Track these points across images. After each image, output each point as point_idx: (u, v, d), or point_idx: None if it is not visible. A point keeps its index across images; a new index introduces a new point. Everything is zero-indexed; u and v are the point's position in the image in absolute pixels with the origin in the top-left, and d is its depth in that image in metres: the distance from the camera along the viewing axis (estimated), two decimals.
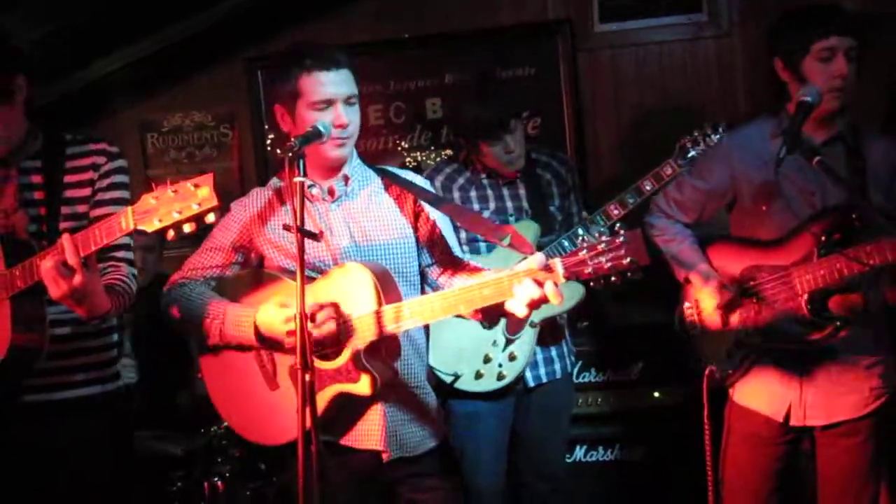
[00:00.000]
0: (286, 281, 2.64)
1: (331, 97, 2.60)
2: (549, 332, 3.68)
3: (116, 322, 2.88)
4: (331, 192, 2.72)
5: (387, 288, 2.50)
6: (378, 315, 2.46)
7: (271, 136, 5.06)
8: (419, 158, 5.02)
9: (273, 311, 2.50)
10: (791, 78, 3.02)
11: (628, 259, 2.16)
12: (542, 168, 3.82)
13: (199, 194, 2.17)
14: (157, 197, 2.21)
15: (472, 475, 3.53)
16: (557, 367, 3.73)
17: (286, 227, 2.40)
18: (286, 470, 2.57)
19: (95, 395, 2.76)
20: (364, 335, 2.48)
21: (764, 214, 3.08)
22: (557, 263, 2.24)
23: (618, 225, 2.55)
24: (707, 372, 3.05)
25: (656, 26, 4.85)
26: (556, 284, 2.26)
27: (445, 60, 5.00)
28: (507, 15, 4.94)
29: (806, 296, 2.92)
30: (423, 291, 2.79)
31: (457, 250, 2.81)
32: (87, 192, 2.74)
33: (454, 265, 2.77)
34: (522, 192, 3.74)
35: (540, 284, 2.27)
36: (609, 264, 2.17)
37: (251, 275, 2.75)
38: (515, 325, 3.52)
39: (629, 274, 2.19)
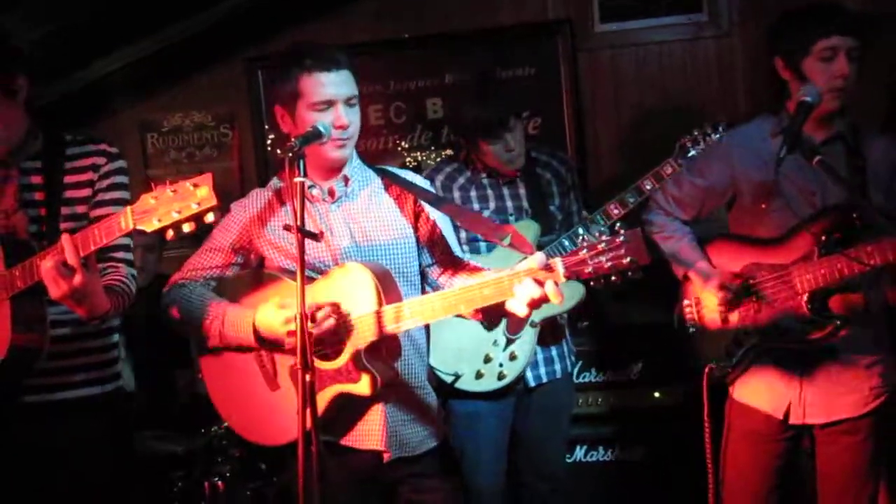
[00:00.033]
0: (286, 281, 2.64)
1: (331, 98, 2.60)
2: (549, 332, 3.68)
3: (117, 323, 2.88)
4: (331, 192, 2.72)
5: (387, 288, 2.50)
6: (378, 315, 2.46)
7: (271, 136, 5.07)
8: (419, 158, 5.02)
9: (272, 313, 2.50)
10: (792, 77, 3.02)
11: (628, 258, 2.16)
12: (542, 167, 3.82)
13: (198, 194, 2.17)
14: (156, 197, 2.21)
15: (472, 475, 3.53)
16: (558, 366, 3.73)
17: (286, 228, 2.40)
18: (286, 470, 2.57)
19: (95, 395, 2.76)
20: (364, 335, 2.48)
21: (763, 213, 3.08)
22: (558, 263, 2.24)
23: (618, 224, 2.55)
24: (707, 370, 3.06)
25: (656, 26, 4.85)
26: (556, 284, 2.26)
27: (445, 60, 4.99)
28: (507, 15, 4.94)
29: (806, 295, 2.93)
30: (423, 291, 2.79)
31: (457, 250, 2.81)
32: (87, 192, 2.74)
33: (454, 265, 2.77)
34: (522, 191, 3.74)
35: (540, 284, 2.27)
36: (609, 264, 2.17)
37: (251, 275, 2.75)
38: (516, 325, 3.52)
39: (629, 273, 2.19)
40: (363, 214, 2.73)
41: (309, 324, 2.25)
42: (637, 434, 4.24)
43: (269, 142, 5.09)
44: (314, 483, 2.18)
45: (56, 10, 4.04)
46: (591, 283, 2.23)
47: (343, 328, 2.50)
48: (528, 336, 3.57)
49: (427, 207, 2.76)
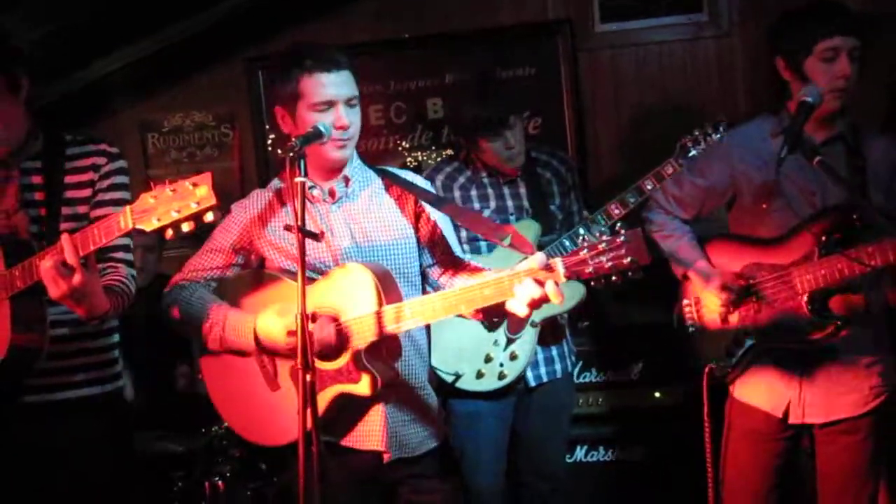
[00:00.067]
0: (287, 282, 2.64)
1: (331, 98, 2.60)
2: (549, 332, 3.68)
3: (117, 323, 2.88)
4: (331, 193, 2.72)
5: (388, 288, 2.50)
6: (379, 315, 2.46)
7: (272, 136, 5.07)
8: (420, 158, 5.02)
9: (272, 321, 2.50)
10: (793, 78, 3.02)
11: (629, 258, 2.16)
12: (542, 167, 3.82)
13: (197, 193, 2.17)
14: (155, 196, 2.21)
15: (472, 475, 3.53)
16: (558, 366, 3.73)
17: (287, 228, 2.40)
18: (287, 470, 2.57)
19: (95, 395, 2.76)
20: (365, 335, 2.48)
21: (764, 213, 3.08)
22: (558, 263, 2.24)
23: (618, 224, 2.55)
24: (707, 370, 3.06)
25: (656, 26, 4.85)
26: (556, 284, 2.26)
27: (446, 60, 4.99)
28: (508, 15, 4.93)
29: (806, 295, 2.93)
30: (424, 292, 2.79)
31: (457, 250, 2.81)
32: (87, 192, 2.74)
33: (455, 265, 2.77)
34: (523, 190, 3.74)
35: (541, 284, 2.27)
36: (610, 264, 2.17)
37: (252, 276, 2.75)
38: (516, 325, 3.52)
39: (630, 273, 2.19)
40: (364, 215, 2.73)
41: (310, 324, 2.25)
42: (637, 434, 4.24)
43: (269, 142, 5.09)
44: (315, 483, 2.18)
45: (56, 10, 4.04)
46: (592, 283, 2.23)
47: (342, 338, 2.50)
48: (529, 336, 3.57)
49: (427, 208, 2.76)
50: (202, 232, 2.35)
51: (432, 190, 2.93)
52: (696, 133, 3.32)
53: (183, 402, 4.24)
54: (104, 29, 4.47)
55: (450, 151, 4.68)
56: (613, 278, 2.20)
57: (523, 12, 4.92)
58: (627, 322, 4.50)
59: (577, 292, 3.55)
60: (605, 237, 2.19)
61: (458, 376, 3.53)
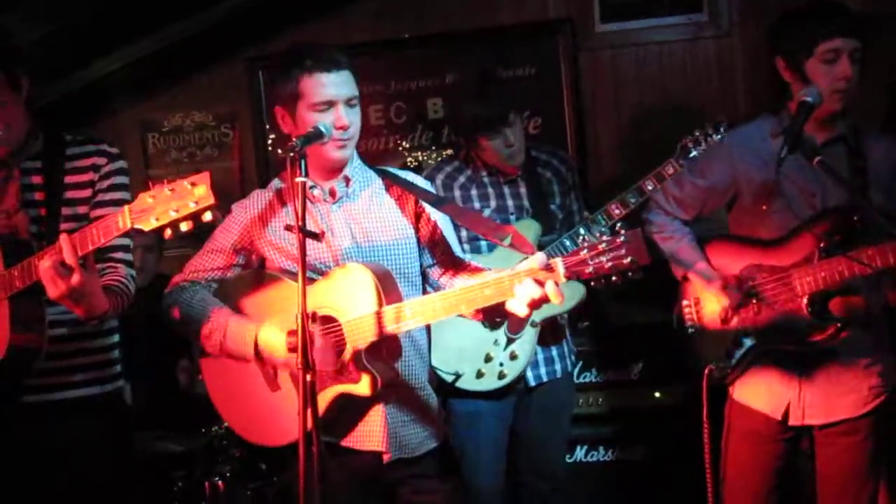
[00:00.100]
0: (287, 282, 2.64)
1: (332, 98, 2.59)
2: (549, 332, 3.68)
3: (116, 323, 2.88)
4: (332, 193, 2.72)
5: (388, 288, 2.50)
6: (379, 315, 2.46)
7: (272, 136, 5.07)
8: (420, 158, 5.02)
9: (275, 335, 2.51)
10: (794, 79, 3.01)
11: (629, 259, 2.16)
12: (542, 166, 3.82)
13: (195, 192, 2.17)
14: (154, 196, 2.21)
15: (472, 475, 3.53)
16: (558, 366, 3.73)
17: (288, 228, 2.39)
18: (287, 470, 2.57)
19: (95, 395, 2.76)
20: (365, 335, 2.48)
21: (764, 214, 3.08)
22: (558, 263, 2.24)
23: (618, 224, 2.55)
24: (707, 371, 3.05)
25: (657, 26, 4.85)
26: (556, 284, 2.26)
27: (446, 60, 4.99)
28: (508, 15, 4.93)
29: (806, 297, 2.92)
30: (424, 292, 2.79)
31: (458, 251, 2.81)
32: (87, 193, 2.74)
33: (455, 265, 2.77)
34: (523, 190, 3.74)
35: (541, 284, 2.27)
36: (610, 264, 2.17)
37: (252, 276, 2.74)
38: (517, 325, 3.52)
39: (630, 273, 2.18)
40: (364, 215, 2.73)
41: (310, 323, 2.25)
42: (637, 434, 4.24)
43: (269, 142, 5.09)
44: (315, 483, 2.18)
45: (56, 10, 4.04)
46: (592, 284, 2.23)
47: (340, 342, 2.51)
48: (529, 336, 3.57)
49: (428, 208, 2.76)
50: (201, 232, 2.35)
51: (432, 190, 2.93)
52: (697, 133, 3.31)
53: (183, 402, 4.24)
54: (104, 29, 4.47)
55: (450, 151, 4.69)
56: (613, 278, 2.20)
57: (524, 12, 4.92)
58: (627, 322, 4.49)
59: (577, 292, 3.55)
60: (605, 237, 2.19)
61: (458, 376, 3.53)
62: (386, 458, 2.61)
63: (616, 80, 4.91)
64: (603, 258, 2.18)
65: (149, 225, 2.20)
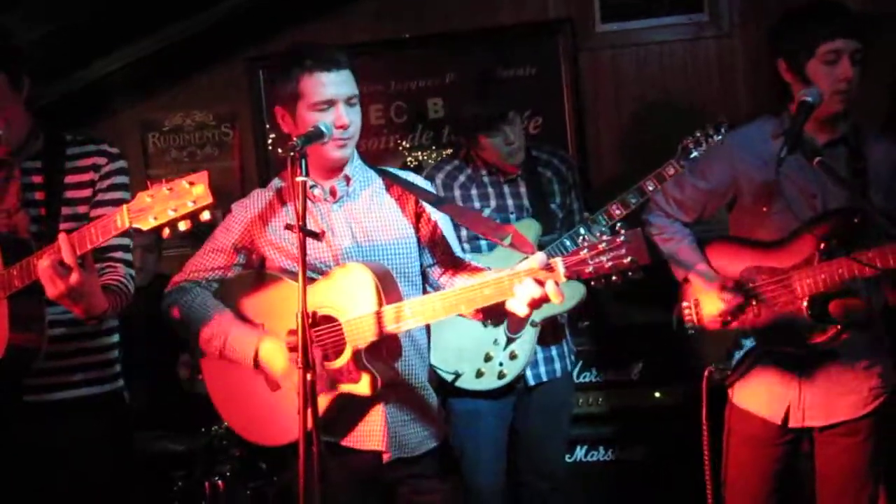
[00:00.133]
0: (287, 282, 2.63)
1: (332, 98, 2.59)
2: (549, 332, 3.68)
3: (116, 323, 2.88)
4: (332, 192, 2.72)
5: (388, 288, 2.50)
6: (379, 315, 2.46)
7: (272, 135, 5.07)
8: (420, 158, 5.02)
9: (277, 354, 2.52)
10: (795, 80, 3.00)
11: (629, 258, 2.16)
12: (542, 166, 3.82)
13: (193, 192, 2.17)
14: (152, 195, 2.21)
15: (472, 474, 3.53)
16: (558, 365, 3.73)
17: (288, 227, 2.39)
18: (287, 469, 2.57)
19: (95, 395, 2.76)
20: (365, 335, 2.48)
21: (765, 215, 3.07)
22: (558, 263, 2.24)
23: (618, 224, 2.55)
24: (706, 372, 3.05)
25: (657, 26, 4.85)
26: (556, 284, 2.26)
27: (446, 60, 5.00)
28: (508, 15, 4.94)
29: (806, 299, 2.92)
30: (424, 291, 2.79)
31: (458, 251, 2.81)
32: (87, 192, 2.74)
33: (455, 265, 2.77)
34: (523, 189, 3.74)
35: (541, 284, 2.27)
36: (610, 263, 2.17)
37: (252, 276, 2.74)
38: (517, 324, 3.52)
39: (630, 273, 2.18)
40: (364, 214, 2.73)
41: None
42: (637, 434, 4.24)
43: (269, 141, 5.09)
44: (315, 483, 2.18)
45: (56, 10, 4.04)
46: (592, 283, 2.23)
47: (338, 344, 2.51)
48: (529, 335, 3.57)
49: (428, 208, 2.76)
50: (200, 231, 2.35)
51: (432, 190, 2.93)
52: (698, 134, 3.31)
53: (183, 401, 4.24)
54: (104, 29, 4.47)
55: (450, 151, 4.69)
56: (614, 278, 2.20)
57: (524, 12, 4.92)
58: (627, 322, 4.50)
59: (577, 292, 3.55)
60: (605, 237, 2.19)
61: (457, 375, 3.53)
62: (386, 457, 2.61)
63: (616, 80, 4.91)
64: (603, 258, 2.18)
65: (147, 224, 2.20)
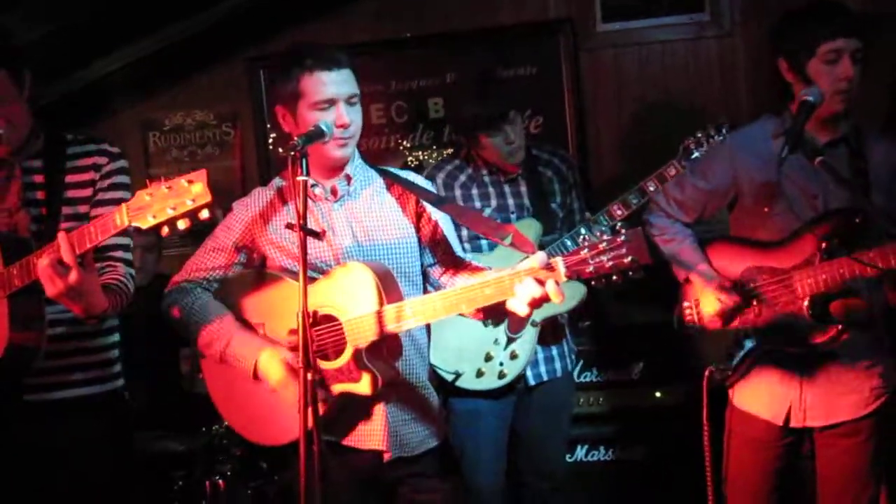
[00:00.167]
0: (288, 282, 2.63)
1: (332, 97, 2.59)
2: (549, 332, 3.68)
3: (117, 322, 2.88)
4: (333, 191, 2.72)
5: (388, 287, 2.50)
6: (380, 315, 2.46)
7: (273, 135, 5.07)
8: (421, 157, 5.02)
9: (275, 368, 2.52)
10: (795, 79, 3.00)
11: (630, 258, 2.16)
12: (543, 165, 3.82)
13: (192, 190, 2.16)
14: (151, 193, 2.20)
15: (472, 474, 3.52)
16: (558, 365, 3.72)
17: (289, 226, 2.39)
18: (288, 469, 2.57)
19: (95, 394, 2.76)
20: (365, 334, 2.47)
21: (766, 215, 3.07)
22: (559, 262, 2.23)
23: (619, 224, 2.55)
24: (707, 373, 3.05)
25: (658, 26, 4.85)
26: (557, 283, 2.26)
27: (447, 60, 4.99)
28: (508, 14, 4.93)
29: (807, 300, 2.92)
30: (425, 291, 2.79)
31: (458, 250, 2.81)
32: (88, 192, 2.74)
33: (456, 265, 2.77)
34: (524, 189, 3.74)
35: (541, 283, 2.26)
36: (610, 263, 2.17)
37: (253, 276, 2.74)
38: (517, 324, 3.51)
39: (631, 273, 2.18)
40: (365, 214, 2.73)
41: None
42: (638, 434, 4.24)
43: (270, 141, 5.09)
44: (316, 482, 2.17)
45: (56, 10, 4.04)
46: (593, 283, 2.22)
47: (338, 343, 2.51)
48: (529, 335, 3.57)
49: (429, 207, 2.76)
50: (199, 231, 2.35)
51: (433, 189, 2.93)
52: (699, 135, 3.31)
53: (183, 401, 4.24)
54: (104, 29, 4.47)
55: (451, 150, 4.69)
56: (614, 278, 2.19)
57: (524, 12, 4.92)
58: (628, 322, 4.49)
59: (577, 292, 3.55)
60: (605, 236, 2.18)
61: (458, 375, 3.53)
62: (386, 456, 2.61)
63: (617, 79, 4.91)
64: (604, 257, 2.17)
65: (146, 222, 2.20)
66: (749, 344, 3.04)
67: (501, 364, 3.55)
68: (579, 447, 4.27)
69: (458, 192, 3.71)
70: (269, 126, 5.06)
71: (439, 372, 3.51)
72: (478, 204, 3.69)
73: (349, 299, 2.50)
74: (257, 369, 2.56)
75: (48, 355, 2.60)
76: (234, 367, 2.61)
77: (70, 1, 4.11)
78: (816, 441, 3.11)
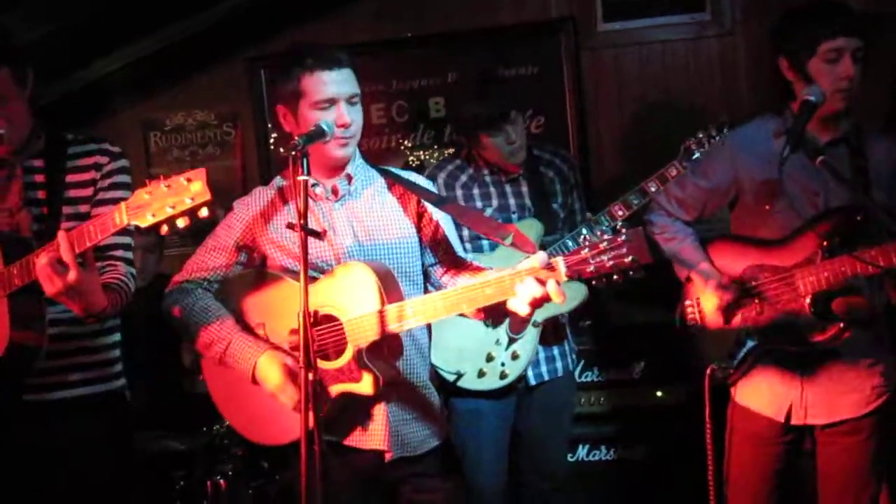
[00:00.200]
0: (288, 282, 2.63)
1: (333, 96, 2.59)
2: (550, 331, 3.68)
3: (118, 322, 2.88)
4: (334, 191, 2.72)
5: (389, 287, 2.50)
6: (381, 314, 2.46)
7: (274, 135, 5.07)
8: (422, 157, 5.02)
9: (272, 370, 2.52)
10: (796, 78, 3.00)
11: (630, 257, 2.16)
12: (544, 166, 3.81)
13: (191, 189, 2.16)
14: (150, 192, 2.20)
15: (474, 475, 3.52)
16: (559, 364, 3.72)
17: (290, 226, 2.39)
18: (289, 469, 2.56)
19: (95, 394, 2.75)
20: (366, 334, 2.47)
21: (767, 214, 3.07)
22: (560, 262, 2.23)
23: (619, 224, 2.54)
24: (709, 371, 3.05)
25: (659, 25, 4.85)
26: (558, 283, 2.25)
27: (447, 60, 4.99)
28: (508, 14, 4.93)
29: (809, 297, 2.92)
30: (425, 291, 2.78)
31: (459, 250, 2.81)
32: (89, 191, 2.74)
33: (457, 265, 2.77)
34: (525, 189, 3.74)
35: (542, 283, 2.26)
36: (611, 263, 2.17)
37: (253, 275, 2.74)
38: (519, 325, 3.51)
39: (631, 272, 2.18)
40: (366, 213, 2.72)
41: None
42: (639, 433, 4.24)
43: (271, 140, 5.09)
44: (317, 482, 2.17)
45: (56, 10, 4.04)
46: (594, 283, 2.22)
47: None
48: (531, 335, 3.57)
49: (430, 207, 2.76)
50: (199, 230, 2.34)
51: (434, 189, 2.93)
52: (700, 135, 3.31)
53: (183, 401, 4.24)
54: (104, 29, 4.48)
55: (452, 150, 4.68)
56: (615, 277, 2.19)
57: (524, 11, 4.92)
58: (629, 321, 4.49)
59: (579, 293, 3.55)
60: (606, 236, 2.18)
61: (459, 375, 3.53)
62: (388, 456, 2.61)
63: (619, 79, 4.91)
64: (604, 257, 2.17)
65: (145, 221, 2.20)
66: (751, 343, 3.04)
67: (503, 364, 3.55)
68: (580, 447, 4.27)
69: (459, 192, 3.71)
70: (270, 126, 5.06)
71: (441, 372, 3.51)
72: (479, 204, 3.69)
73: (350, 299, 2.50)
74: (255, 373, 2.56)
75: (48, 355, 2.59)
76: (231, 367, 2.61)
77: (70, 1, 4.11)
78: (817, 439, 3.10)
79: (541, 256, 2.29)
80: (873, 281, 2.92)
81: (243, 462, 4.06)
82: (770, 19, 3.25)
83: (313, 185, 2.68)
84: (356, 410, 2.61)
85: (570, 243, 3.54)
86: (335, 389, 2.52)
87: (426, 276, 2.80)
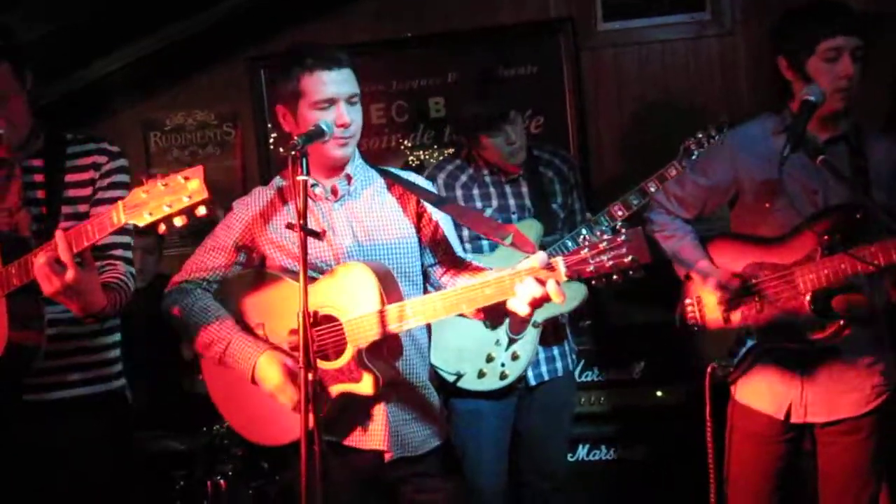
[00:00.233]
0: (288, 282, 2.63)
1: (333, 96, 2.59)
2: (550, 331, 3.67)
3: (118, 322, 2.87)
4: (334, 191, 2.72)
5: (389, 287, 2.50)
6: (381, 314, 2.46)
7: (274, 134, 5.07)
8: (422, 157, 5.02)
9: (271, 370, 2.52)
10: (795, 77, 3.00)
11: (630, 257, 2.16)
12: (544, 166, 3.81)
13: (189, 187, 2.15)
14: (147, 190, 2.20)
15: (474, 475, 3.51)
16: (559, 364, 3.72)
17: (289, 226, 2.39)
18: (289, 469, 2.56)
19: (95, 394, 2.75)
20: (366, 335, 2.47)
21: (767, 212, 3.07)
22: (559, 262, 2.23)
23: (619, 224, 2.54)
24: (709, 369, 3.05)
25: (659, 25, 4.85)
26: (557, 283, 2.25)
27: (447, 60, 5.00)
28: (508, 14, 4.93)
29: (809, 295, 2.92)
30: (425, 291, 2.78)
31: (459, 250, 2.81)
32: (88, 191, 2.73)
33: (457, 265, 2.77)
34: (525, 189, 3.73)
35: (542, 283, 2.26)
36: (611, 262, 2.17)
37: (253, 275, 2.73)
38: (519, 325, 3.51)
39: (631, 272, 2.18)
40: (366, 213, 2.72)
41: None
42: (639, 433, 4.24)
43: (271, 140, 5.09)
44: (317, 482, 2.17)
45: (56, 10, 4.04)
46: (593, 283, 2.22)
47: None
48: (531, 336, 3.57)
49: (429, 208, 2.75)
50: (198, 230, 2.34)
51: (434, 189, 2.93)
52: (700, 135, 3.31)
53: (183, 401, 4.25)
54: (104, 29, 4.48)
55: (452, 150, 4.68)
56: (615, 277, 2.19)
57: (524, 11, 4.92)
58: (629, 321, 4.49)
59: (578, 293, 3.55)
60: (605, 236, 2.18)
61: (459, 376, 3.53)
62: (388, 456, 2.61)
63: (618, 78, 4.91)
64: (604, 257, 2.17)
65: (142, 220, 2.20)
66: (751, 341, 3.04)
67: (503, 365, 3.55)
68: (581, 447, 4.27)
69: (459, 193, 3.71)
70: (269, 126, 5.06)
71: (441, 373, 3.51)
72: (479, 204, 3.69)
73: (350, 299, 2.50)
74: (255, 373, 2.56)
75: (48, 355, 2.59)
76: (230, 367, 2.61)
77: (70, 1, 4.11)
78: (817, 438, 3.11)
79: (540, 256, 2.29)
80: (873, 278, 2.92)
81: (243, 462, 4.06)
82: (770, 19, 3.25)
83: (313, 186, 2.68)
84: (356, 411, 2.61)
85: (569, 243, 3.54)
86: (335, 390, 2.52)
87: (426, 276, 2.80)
